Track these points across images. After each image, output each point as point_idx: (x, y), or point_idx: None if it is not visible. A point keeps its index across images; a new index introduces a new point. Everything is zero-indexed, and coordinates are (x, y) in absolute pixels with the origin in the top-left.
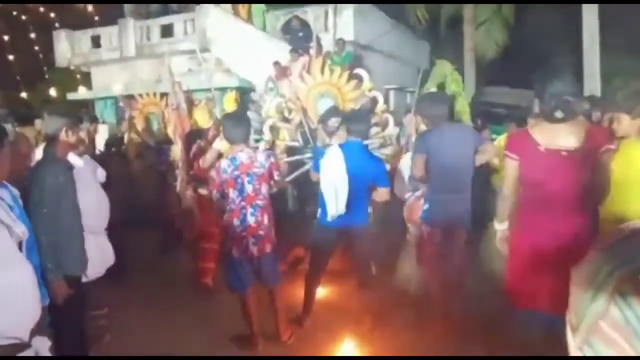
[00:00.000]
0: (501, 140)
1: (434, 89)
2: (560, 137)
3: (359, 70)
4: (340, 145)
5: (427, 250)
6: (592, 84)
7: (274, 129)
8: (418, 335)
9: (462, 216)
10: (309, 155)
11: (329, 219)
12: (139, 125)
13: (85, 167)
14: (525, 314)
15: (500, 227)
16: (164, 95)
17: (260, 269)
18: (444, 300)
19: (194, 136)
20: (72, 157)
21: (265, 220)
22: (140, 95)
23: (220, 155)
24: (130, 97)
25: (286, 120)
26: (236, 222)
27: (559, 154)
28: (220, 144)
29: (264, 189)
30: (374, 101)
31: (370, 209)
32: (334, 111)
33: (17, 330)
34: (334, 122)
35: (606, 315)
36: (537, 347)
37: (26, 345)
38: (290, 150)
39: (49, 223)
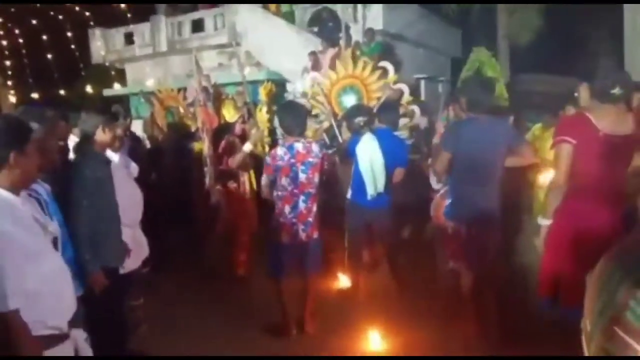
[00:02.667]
0: (536, 129)
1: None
2: (616, 122)
3: (384, 63)
4: (373, 132)
5: (452, 248)
6: (634, 69)
7: None
8: (443, 331)
9: (488, 211)
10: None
11: (369, 197)
12: (160, 120)
13: (120, 162)
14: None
15: (546, 222)
16: (181, 89)
17: (306, 256)
18: (474, 296)
19: (222, 131)
20: (109, 153)
21: (314, 207)
22: (159, 91)
23: (247, 157)
24: (151, 93)
25: (311, 116)
26: (287, 208)
27: (615, 140)
28: (248, 147)
29: (316, 178)
30: (400, 93)
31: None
32: (359, 109)
33: (57, 320)
34: (359, 120)
35: (621, 321)
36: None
37: (66, 336)
38: None
39: (88, 216)
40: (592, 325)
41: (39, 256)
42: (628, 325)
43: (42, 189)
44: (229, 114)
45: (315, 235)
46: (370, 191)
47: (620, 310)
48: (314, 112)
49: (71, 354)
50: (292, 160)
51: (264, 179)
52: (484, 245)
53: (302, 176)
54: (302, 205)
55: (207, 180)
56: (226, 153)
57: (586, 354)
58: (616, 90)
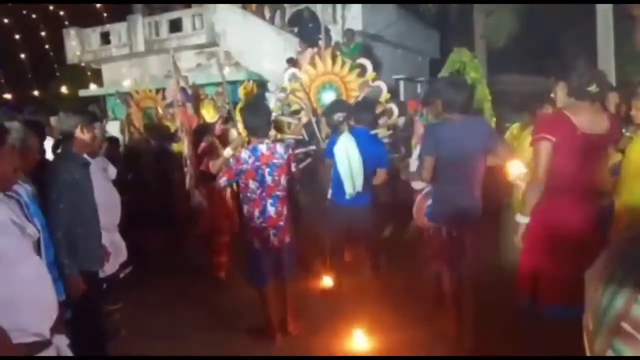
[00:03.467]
0: (514, 128)
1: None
2: (593, 121)
3: (363, 60)
4: (350, 132)
5: (434, 248)
6: (606, 70)
7: (277, 123)
8: (425, 330)
9: (469, 211)
10: (313, 147)
11: (347, 197)
12: (137, 121)
13: (97, 165)
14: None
15: (524, 219)
16: (159, 89)
17: (280, 260)
18: (455, 297)
19: (202, 132)
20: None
21: (285, 210)
22: (137, 92)
23: (227, 162)
24: (127, 94)
25: (291, 113)
26: (257, 213)
27: (592, 138)
28: (229, 152)
29: (283, 180)
30: (378, 90)
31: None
32: (339, 105)
33: (39, 326)
34: (339, 116)
35: (627, 316)
36: (553, 344)
37: (48, 343)
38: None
39: (65, 219)
40: (596, 322)
41: (16, 261)
42: (636, 320)
43: (23, 189)
44: (209, 115)
45: (288, 239)
46: (349, 190)
47: (627, 306)
48: (293, 107)
49: None
50: (257, 163)
51: (222, 182)
52: (464, 246)
53: (268, 178)
54: (270, 209)
55: (187, 181)
56: (206, 154)
57: (588, 351)
58: (593, 88)
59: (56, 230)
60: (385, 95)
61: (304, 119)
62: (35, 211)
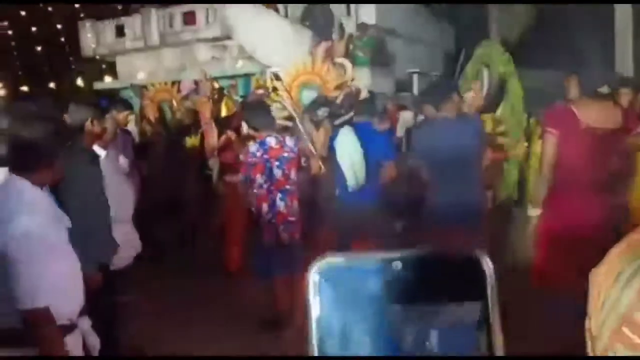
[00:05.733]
0: (531, 124)
1: (485, 72)
2: (601, 116)
3: (342, 60)
4: (351, 126)
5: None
6: (624, 64)
7: None
8: None
9: (465, 216)
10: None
11: (349, 190)
12: (151, 115)
13: (109, 157)
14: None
15: (536, 212)
16: (174, 82)
17: (291, 257)
18: None
19: (222, 125)
20: (96, 148)
21: (295, 205)
22: (152, 85)
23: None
24: (141, 87)
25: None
26: (265, 207)
27: (597, 133)
28: None
29: (293, 174)
30: (357, 92)
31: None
32: (321, 101)
33: (71, 311)
34: (323, 111)
35: (630, 321)
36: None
37: (75, 326)
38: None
39: (76, 212)
40: (598, 325)
41: (62, 251)
42: (637, 325)
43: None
44: (227, 109)
45: (298, 236)
46: (351, 183)
47: (630, 310)
48: (274, 106)
49: (80, 343)
50: (266, 156)
51: (239, 177)
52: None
53: (277, 172)
54: (280, 204)
55: (214, 174)
56: (223, 148)
57: (590, 353)
58: (604, 89)
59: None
60: (364, 96)
61: (284, 112)
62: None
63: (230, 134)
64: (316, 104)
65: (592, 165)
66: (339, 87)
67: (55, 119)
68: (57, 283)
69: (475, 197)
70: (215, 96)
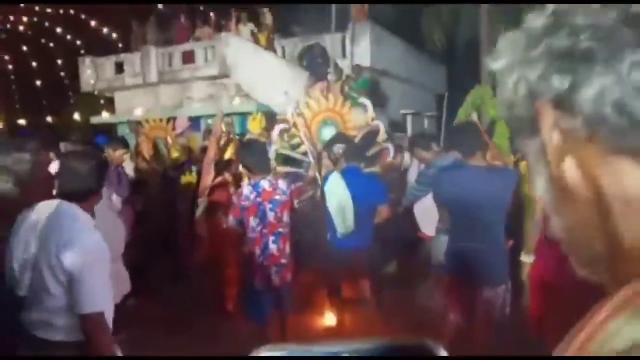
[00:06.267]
0: (522, 165)
1: (474, 115)
2: None
3: (363, 100)
4: (340, 171)
5: (451, 300)
6: None
7: (278, 156)
8: None
9: (483, 271)
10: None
11: (339, 236)
12: (146, 151)
13: (105, 194)
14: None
15: (528, 259)
16: (170, 119)
17: (281, 298)
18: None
19: (222, 167)
20: None
21: (287, 248)
22: (147, 121)
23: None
24: (137, 123)
25: (291, 147)
26: (257, 251)
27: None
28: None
29: (286, 216)
30: (376, 130)
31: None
32: (339, 137)
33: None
34: (338, 148)
35: None
36: None
37: None
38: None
39: None
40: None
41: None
42: None
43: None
44: (231, 153)
45: (289, 278)
46: (340, 229)
47: None
48: (294, 141)
49: None
50: (259, 199)
51: (229, 221)
52: (482, 306)
53: (270, 215)
54: (272, 247)
55: (197, 211)
56: (216, 188)
57: None
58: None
59: None
60: (382, 135)
61: (302, 147)
62: None
63: (228, 176)
64: (334, 140)
65: None
66: (357, 127)
67: (99, 154)
68: (108, 291)
69: (498, 247)
70: (224, 139)
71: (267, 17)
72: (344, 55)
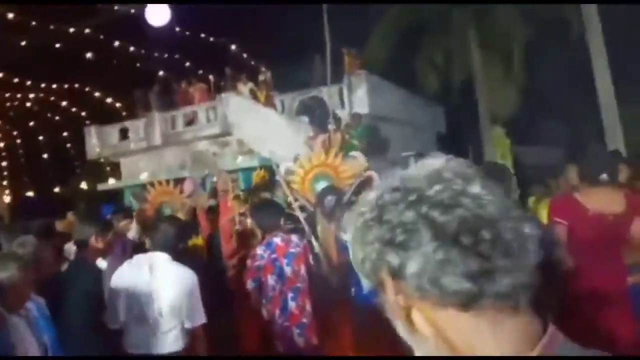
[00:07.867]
0: (531, 202)
1: (500, 161)
2: (606, 200)
3: (355, 153)
4: None
5: None
6: (614, 137)
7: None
8: None
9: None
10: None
11: (364, 292)
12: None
13: (110, 267)
14: None
15: None
16: (176, 180)
17: None
18: None
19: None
20: (99, 262)
21: (307, 306)
22: (152, 185)
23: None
24: (142, 187)
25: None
26: (277, 312)
27: (606, 218)
28: None
29: (303, 270)
30: (369, 180)
31: None
32: (329, 190)
33: None
34: (329, 200)
35: None
36: None
37: None
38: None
39: (76, 322)
40: None
41: None
42: None
43: (33, 304)
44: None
45: (315, 341)
46: (365, 283)
47: None
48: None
49: None
50: (274, 256)
51: (249, 285)
52: None
53: (287, 270)
54: (291, 304)
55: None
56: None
57: None
58: (604, 177)
59: (67, 333)
60: (377, 182)
61: (297, 204)
62: (45, 326)
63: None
64: (324, 192)
65: (604, 250)
66: (352, 177)
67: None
68: None
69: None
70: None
71: (266, 75)
72: (342, 105)
